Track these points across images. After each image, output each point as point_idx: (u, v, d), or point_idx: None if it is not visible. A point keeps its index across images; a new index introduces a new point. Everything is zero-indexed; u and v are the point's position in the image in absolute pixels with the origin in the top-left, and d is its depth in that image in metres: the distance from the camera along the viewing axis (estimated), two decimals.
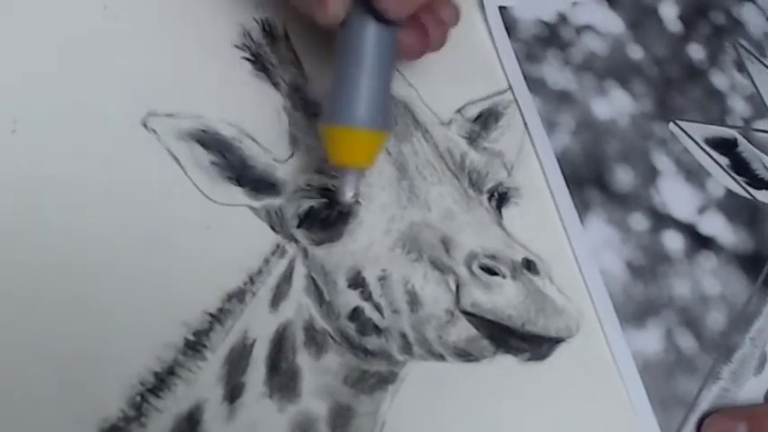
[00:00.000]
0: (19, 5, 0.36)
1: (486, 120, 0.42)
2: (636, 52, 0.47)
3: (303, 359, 0.34)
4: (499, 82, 0.43)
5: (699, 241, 0.42)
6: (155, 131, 0.35)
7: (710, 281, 0.41)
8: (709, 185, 0.44)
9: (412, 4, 0.33)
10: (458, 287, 0.36)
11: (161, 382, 0.32)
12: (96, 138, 0.35)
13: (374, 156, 0.34)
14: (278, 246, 0.35)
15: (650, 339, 0.39)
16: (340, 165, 0.34)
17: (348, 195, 0.34)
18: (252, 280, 0.34)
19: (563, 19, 0.46)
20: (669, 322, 0.39)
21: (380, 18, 0.32)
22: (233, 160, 0.36)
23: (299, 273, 0.35)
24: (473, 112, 0.42)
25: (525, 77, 0.43)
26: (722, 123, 0.46)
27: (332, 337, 0.35)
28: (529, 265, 0.37)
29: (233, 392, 0.33)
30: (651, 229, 0.42)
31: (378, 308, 0.35)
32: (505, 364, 0.36)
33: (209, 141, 0.36)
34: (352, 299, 0.35)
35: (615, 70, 0.46)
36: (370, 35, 0.32)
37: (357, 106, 0.32)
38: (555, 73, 0.44)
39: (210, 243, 0.34)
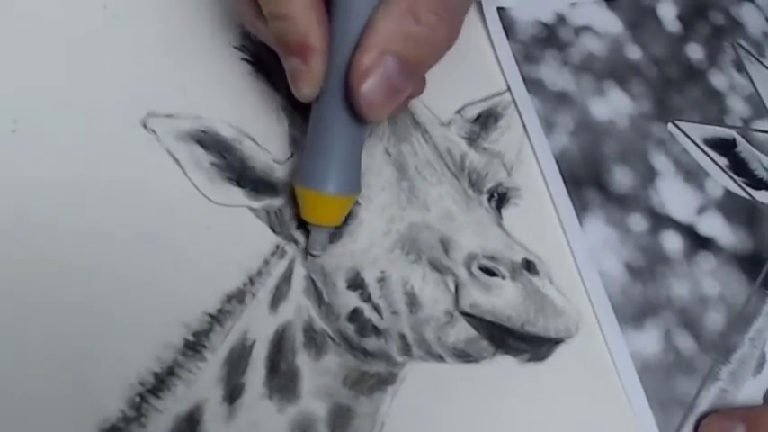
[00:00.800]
0: (19, 6, 0.36)
1: (486, 120, 0.42)
2: (634, 53, 0.47)
3: (303, 360, 0.34)
4: (498, 83, 0.43)
5: (698, 242, 0.42)
6: (154, 132, 0.35)
7: (709, 281, 0.41)
8: (707, 186, 0.44)
9: (389, 110, 0.32)
10: (457, 288, 0.36)
11: (161, 382, 0.32)
12: (96, 138, 0.35)
13: (342, 216, 0.35)
14: (277, 247, 0.35)
15: (649, 340, 0.39)
16: (311, 222, 0.35)
17: (317, 250, 0.35)
18: (251, 281, 0.34)
19: (561, 20, 0.46)
20: (668, 323, 0.39)
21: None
22: (233, 161, 0.36)
23: (299, 274, 0.35)
24: (472, 112, 0.42)
25: (524, 78, 0.43)
26: (721, 124, 0.46)
27: (331, 338, 0.35)
28: (528, 266, 0.37)
29: (233, 393, 0.33)
30: (650, 229, 0.42)
31: (377, 309, 0.35)
32: (505, 365, 0.36)
33: (209, 142, 0.36)
34: (351, 300, 0.35)
35: (614, 71, 0.46)
36: (344, 113, 0.32)
37: (328, 174, 0.33)
38: (553, 74, 0.44)
39: (210, 244, 0.34)
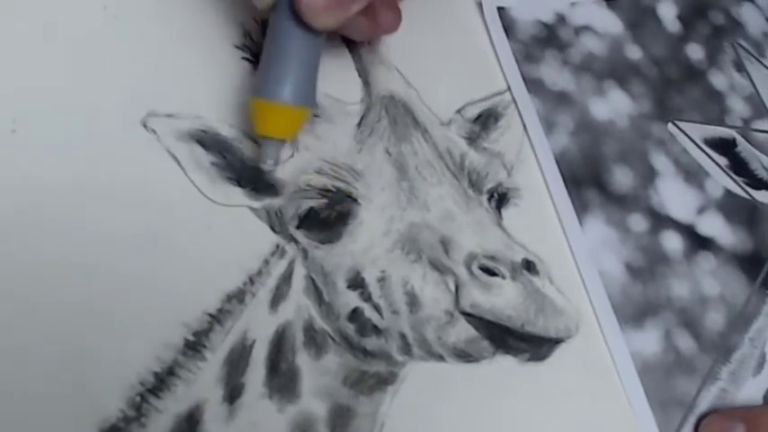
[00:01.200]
0: (19, 6, 0.36)
1: (486, 120, 0.42)
2: (634, 52, 0.47)
3: (303, 360, 0.34)
4: (498, 82, 0.43)
5: (698, 242, 0.42)
6: (155, 132, 0.35)
7: (709, 281, 0.41)
8: (707, 186, 0.44)
9: (334, 19, 0.33)
10: (457, 288, 0.36)
11: (161, 382, 0.32)
12: (96, 138, 0.35)
13: (295, 130, 0.35)
14: (278, 246, 0.35)
15: (649, 340, 0.39)
16: (263, 135, 0.35)
17: (268, 163, 0.35)
18: (252, 280, 0.34)
19: (561, 19, 0.46)
20: (668, 323, 0.39)
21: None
22: (233, 161, 0.36)
23: (299, 273, 0.35)
24: (473, 112, 0.42)
25: (524, 78, 0.43)
26: (721, 123, 0.46)
27: (331, 338, 0.35)
28: (528, 266, 0.37)
29: (233, 393, 0.33)
30: (650, 229, 0.42)
31: (377, 309, 0.35)
32: (505, 365, 0.36)
33: (209, 142, 0.36)
34: (351, 300, 0.35)
35: (614, 71, 0.46)
36: (296, 23, 0.33)
37: (282, 84, 0.34)
38: (553, 73, 0.44)
39: (210, 244, 0.34)
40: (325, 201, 0.36)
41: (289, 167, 0.37)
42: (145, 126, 0.36)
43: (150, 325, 0.32)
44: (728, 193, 0.44)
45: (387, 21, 0.38)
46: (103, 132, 0.35)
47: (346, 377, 0.34)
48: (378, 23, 0.37)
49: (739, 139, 0.46)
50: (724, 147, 0.46)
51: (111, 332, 0.32)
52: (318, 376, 0.34)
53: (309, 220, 0.36)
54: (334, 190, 0.36)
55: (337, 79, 0.39)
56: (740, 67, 0.49)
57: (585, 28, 0.47)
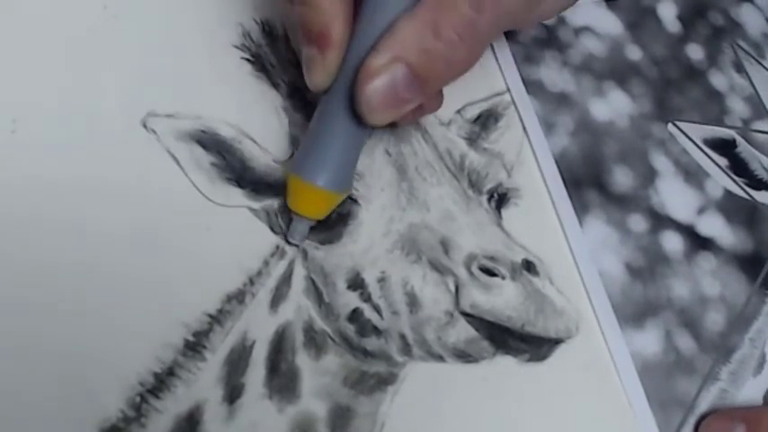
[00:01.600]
0: (19, 5, 0.36)
1: (486, 120, 0.42)
2: (634, 53, 0.47)
3: (302, 360, 0.34)
4: (498, 83, 0.43)
5: (698, 242, 0.42)
6: (154, 132, 0.35)
7: (709, 282, 0.41)
8: (707, 186, 0.44)
9: (390, 117, 0.32)
10: (457, 288, 0.36)
11: (161, 382, 0.32)
12: (96, 138, 0.35)
13: (326, 211, 0.35)
14: (277, 247, 0.35)
15: (649, 340, 0.39)
16: (294, 211, 0.35)
17: (296, 240, 0.35)
18: (251, 281, 0.34)
19: (561, 20, 0.46)
20: (668, 323, 0.39)
21: None
22: (233, 161, 0.36)
23: (299, 274, 0.35)
24: (472, 112, 0.42)
25: (523, 79, 0.43)
26: (721, 124, 0.46)
27: (331, 339, 0.35)
28: (528, 267, 0.37)
29: (233, 393, 0.33)
30: (650, 229, 0.42)
31: (377, 309, 0.35)
32: (505, 365, 0.36)
33: (209, 142, 0.36)
34: (351, 300, 0.35)
35: (614, 71, 0.46)
36: (347, 111, 0.33)
37: (320, 167, 0.33)
38: (553, 74, 0.44)
39: (210, 244, 0.34)
40: None
41: (288, 167, 0.37)
42: (145, 126, 0.35)
43: (150, 325, 0.32)
44: (728, 193, 0.44)
45: (429, 106, 0.37)
46: (103, 132, 0.35)
47: (346, 377, 0.34)
48: (421, 110, 0.36)
49: (739, 139, 0.46)
50: (724, 147, 0.46)
51: (111, 332, 0.32)
52: (318, 377, 0.34)
53: None
54: None
55: None
56: (740, 68, 0.49)
57: (585, 28, 0.47)
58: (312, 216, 0.35)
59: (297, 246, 0.35)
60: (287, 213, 0.36)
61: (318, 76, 0.33)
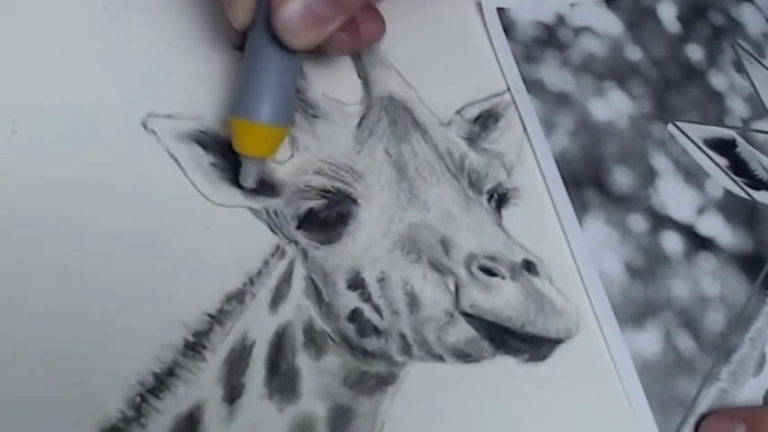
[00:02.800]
0: (19, 6, 0.36)
1: (486, 121, 0.42)
2: (634, 53, 0.47)
3: (302, 360, 0.34)
4: (498, 83, 0.43)
5: (698, 242, 0.42)
6: (154, 132, 0.35)
7: (709, 282, 0.41)
8: (707, 186, 0.44)
9: (312, 38, 0.33)
10: (457, 288, 0.36)
11: (161, 382, 0.32)
12: (96, 139, 0.35)
13: (274, 148, 0.35)
14: (277, 247, 0.35)
15: (649, 340, 0.39)
16: (242, 154, 0.35)
17: (249, 182, 0.35)
18: (251, 281, 0.34)
19: (561, 20, 0.46)
20: (668, 323, 0.39)
21: None
22: (232, 162, 0.36)
23: (299, 274, 0.35)
24: (472, 113, 0.42)
25: (523, 79, 0.43)
26: (721, 124, 0.46)
27: (331, 339, 0.35)
28: (528, 267, 0.37)
29: (233, 393, 0.33)
30: (650, 229, 0.42)
31: (377, 309, 0.35)
32: (505, 365, 0.36)
33: (209, 143, 0.36)
34: (351, 300, 0.35)
35: (614, 71, 0.46)
36: (273, 42, 0.33)
37: (260, 104, 0.33)
38: (553, 74, 0.44)
39: (210, 244, 0.35)
40: (324, 201, 0.36)
41: (288, 168, 0.37)
42: (145, 127, 0.36)
43: (150, 325, 0.32)
44: (728, 193, 0.44)
45: (369, 32, 0.37)
46: (103, 133, 0.35)
47: (346, 377, 0.34)
48: (359, 36, 0.37)
49: (739, 139, 0.46)
50: (724, 147, 0.45)
51: (111, 332, 0.32)
52: (318, 376, 0.34)
53: (309, 221, 0.36)
54: (333, 191, 0.36)
55: (337, 80, 0.40)
56: (740, 68, 0.49)
57: (585, 29, 0.47)
58: (261, 154, 0.35)
59: (252, 189, 0.35)
60: (287, 213, 0.36)
61: (238, 10, 0.33)
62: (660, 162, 0.44)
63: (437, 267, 0.36)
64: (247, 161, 0.35)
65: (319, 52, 0.36)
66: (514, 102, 0.43)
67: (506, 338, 0.36)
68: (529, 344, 0.37)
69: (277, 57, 0.33)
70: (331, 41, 0.34)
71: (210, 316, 0.33)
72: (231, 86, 0.37)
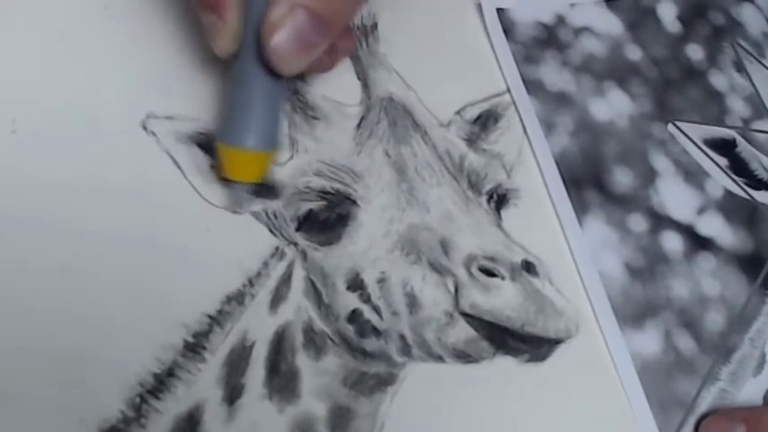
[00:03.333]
0: (19, 6, 0.36)
1: (486, 121, 0.42)
2: (634, 53, 0.47)
3: (302, 361, 0.34)
4: (498, 84, 0.43)
5: (698, 242, 0.42)
6: (154, 134, 0.36)
7: (709, 282, 0.41)
8: (707, 186, 0.44)
9: (302, 64, 0.33)
10: (457, 289, 0.36)
11: (160, 383, 0.32)
12: (96, 140, 0.35)
13: (261, 172, 0.35)
14: (277, 248, 0.35)
15: (649, 340, 0.39)
16: (230, 179, 0.35)
17: (240, 209, 0.35)
18: (251, 282, 0.34)
19: (561, 20, 0.46)
20: (668, 323, 0.39)
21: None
22: None
23: (298, 275, 0.35)
24: (472, 113, 0.42)
25: (523, 79, 0.43)
26: (721, 124, 0.46)
27: (331, 339, 0.35)
28: (528, 267, 0.37)
29: (232, 394, 0.33)
30: (650, 230, 0.42)
31: (377, 310, 0.35)
32: (505, 366, 0.36)
33: (209, 144, 0.36)
34: (351, 301, 0.35)
35: (614, 71, 0.46)
36: (260, 68, 0.33)
37: (246, 130, 0.34)
38: (553, 74, 0.44)
39: (210, 245, 0.35)
40: (324, 203, 0.36)
41: (288, 169, 0.37)
42: (144, 128, 0.36)
43: (150, 326, 0.32)
44: (728, 193, 0.44)
45: (344, 48, 0.38)
46: (103, 134, 0.35)
47: (346, 378, 0.34)
48: (336, 54, 0.37)
49: (739, 139, 0.46)
50: (724, 147, 0.45)
51: (111, 333, 0.32)
52: (318, 377, 0.34)
53: (309, 222, 0.36)
54: (333, 192, 0.36)
55: (336, 81, 0.40)
56: (740, 68, 0.49)
57: (585, 29, 0.47)
58: (249, 180, 0.35)
59: (239, 212, 0.35)
60: (287, 214, 0.36)
61: (223, 41, 0.33)
62: (660, 162, 0.44)
63: (437, 268, 0.36)
64: (237, 186, 0.35)
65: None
66: (514, 102, 0.43)
67: (506, 339, 0.36)
68: (529, 344, 0.37)
69: (265, 83, 0.33)
70: (313, 64, 0.34)
71: (210, 317, 0.33)
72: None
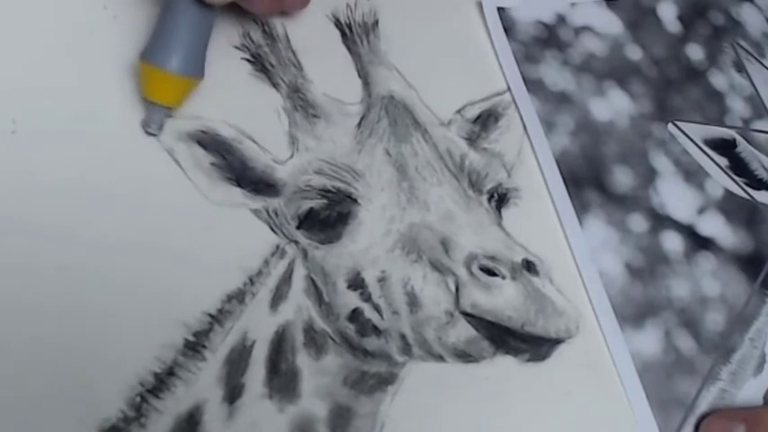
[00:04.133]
0: (19, 6, 0.36)
1: (486, 120, 0.42)
2: (635, 53, 0.47)
3: (303, 360, 0.34)
4: (498, 83, 0.43)
5: (698, 242, 0.42)
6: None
7: (709, 282, 0.41)
8: (708, 186, 0.44)
9: None
10: (457, 288, 0.36)
11: (161, 382, 0.32)
12: (96, 139, 0.35)
13: (182, 99, 0.36)
14: (278, 247, 0.35)
15: (649, 340, 0.39)
16: (150, 100, 0.35)
17: (152, 128, 0.36)
18: (251, 281, 0.34)
19: (562, 20, 0.46)
20: (668, 323, 0.39)
21: None
22: (233, 161, 0.36)
23: (299, 274, 0.35)
24: (473, 112, 0.42)
25: (524, 78, 0.43)
26: (721, 124, 0.46)
27: (331, 338, 0.35)
28: (529, 266, 0.37)
29: (233, 393, 0.33)
30: (650, 229, 0.42)
31: (377, 309, 0.35)
32: (505, 365, 0.36)
33: (209, 142, 0.36)
34: (351, 300, 0.35)
35: (614, 71, 0.46)
36: None
37: (171, 54, 0.34)
38: (554, 74, 0.44)
39: (210, 244, 0.35)
40: (324, 201, 0.36)
41: (288, 168, 0.37)
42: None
43: (150, 325, 0.32)
44: (728, 193, 0.44)
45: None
46: (103, 133, 0.35)
47: (346, 377, 0.34)
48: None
49: (739, 139, 0.46)
50: (724, 147, 0.45)
51: (112, 333, 0.32)
52: (318, 376, 0.34)
53: (309, 221, 0.36)
54: (333, 190, 0.36)
55: (337, 79, 0.40)
56: (740, 68, 0.49)
57: (585, 28, 0.47)
58: (167, 103, 0.35)
59: (154, 135, 0.36)
60: (287, 212, 0.36)
61: None
62: (660, 162, 0.44)
63: (437, 267, 0.36)
64: (153, 108, 0.35)
65: (240, 8, 0.37)
66: (515, 101, 0.43)
67: (506, 338, 0.36)
68: (529, 344, 0.36)
69: (193, 10, 0.34)
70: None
71: (210, 316, 0.33)
72: (231, 86, 0.38)
